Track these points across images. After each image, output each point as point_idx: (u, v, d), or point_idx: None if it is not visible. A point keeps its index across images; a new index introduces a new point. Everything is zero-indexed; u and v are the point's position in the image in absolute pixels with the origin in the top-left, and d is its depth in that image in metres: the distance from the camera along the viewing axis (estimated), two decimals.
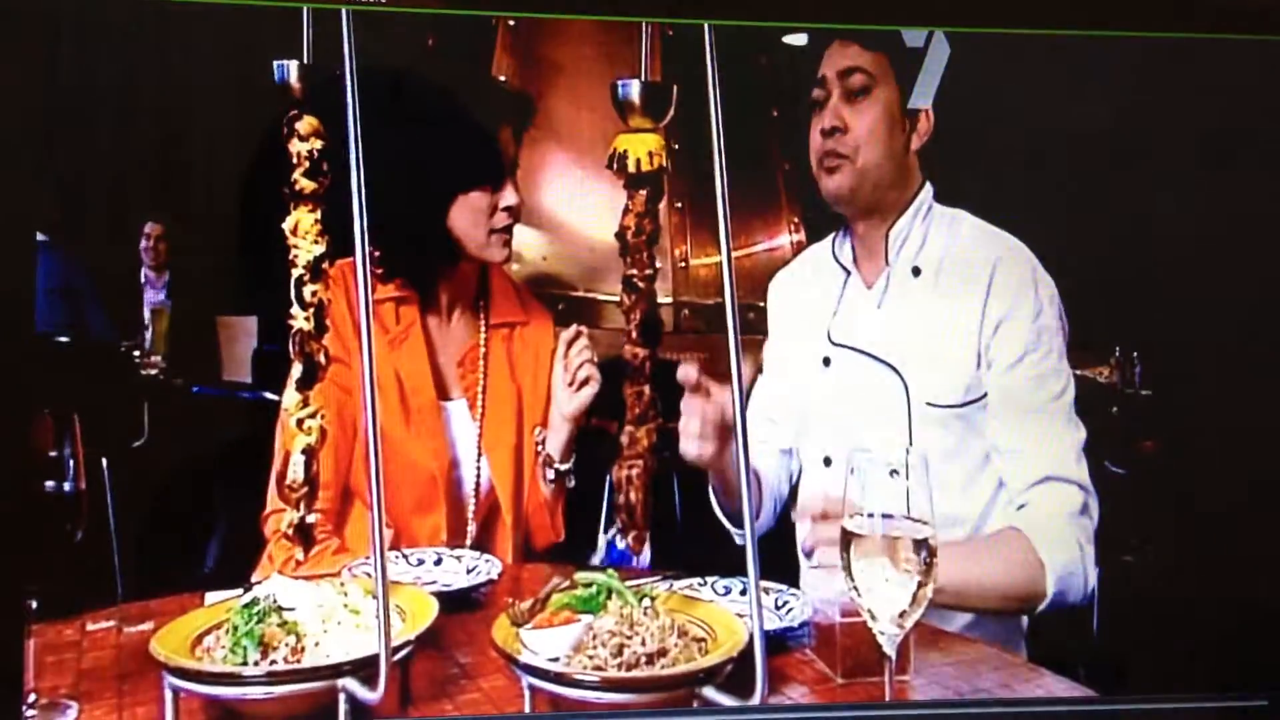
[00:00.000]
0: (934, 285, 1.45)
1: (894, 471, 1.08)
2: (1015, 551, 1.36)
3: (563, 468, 1.55)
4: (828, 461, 1.48)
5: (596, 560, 1.56)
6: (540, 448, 1.55)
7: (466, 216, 1.50)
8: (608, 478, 1.58)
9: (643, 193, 1.41)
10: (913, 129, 1.46)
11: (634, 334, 1.44)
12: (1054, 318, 1.42)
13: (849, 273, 1.52)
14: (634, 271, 1.43)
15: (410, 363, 1.52)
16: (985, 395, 1.42)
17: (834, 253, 1.54)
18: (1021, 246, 1.44)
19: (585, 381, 1.53)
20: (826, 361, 1.50)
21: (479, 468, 1.54)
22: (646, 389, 1.44)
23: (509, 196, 1.51)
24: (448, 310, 1.57)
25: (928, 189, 1.49)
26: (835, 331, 1.51)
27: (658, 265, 1.45)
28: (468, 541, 1.53)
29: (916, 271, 1.46)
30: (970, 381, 1.42)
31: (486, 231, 1.51)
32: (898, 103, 1.46)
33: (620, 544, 1.49)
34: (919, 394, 1.43)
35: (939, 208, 1.49)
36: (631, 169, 1.39)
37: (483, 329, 1.58)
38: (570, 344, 1.54)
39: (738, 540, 1.48)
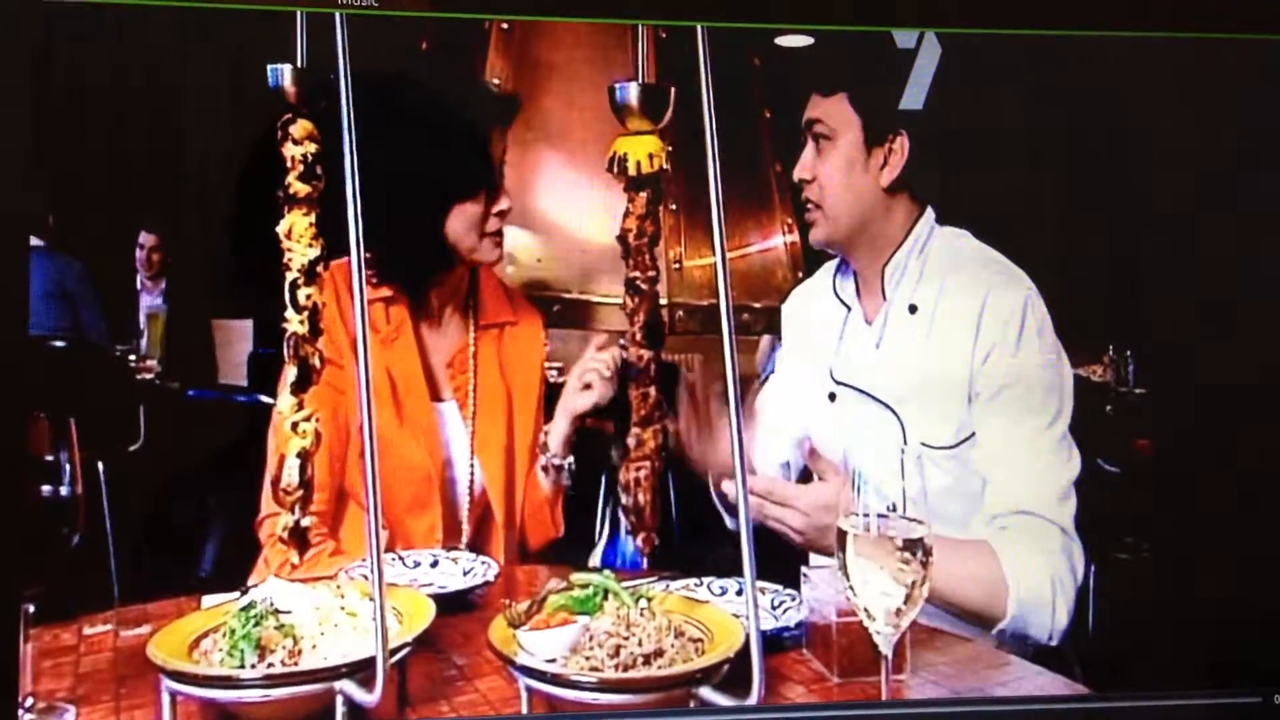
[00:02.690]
0: (930, 323, 1.45)
1: (892, 507, 1.08)
2: (979, 563, 1.36)
3: (558, 461, 1.55)
4: None
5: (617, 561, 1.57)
6: (544, 436, 1.56)
7: (462, 224, 1.51)
8: (603, 478, 1.59)
9: (643, 195, 1.41)
10: (884, 163, 1.46)
11: (638, 336, 1.45)
12: (1041, 350, 1.40)
13: (849, 308, 1.52)
14: (637, 274, 1.43)
15: (402, 362, 1.52)
16: (975, 433, 1.42)
17: (835, 288, 1.54)
18: (1016, 274, 1.43)
19: (588, 386, 1.54)
20: (832, 396, 1.51)
21: (472, 467, 1.55)
22: (651, 390, 1.45)
23: (501, 202, 1.53)
24: (438, 311, 1.58)
25: (927, 217, 1.48)
26: (838, 369, 1.51)
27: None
28: (463, 542, 1.53)
29: (913, 309, 1.46)
30: (962, 420, 1.42)
31: (479, 235, 1.52)
32: (860, 142, 1.46)
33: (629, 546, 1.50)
34: (915, 434, 1.43)
35: (941, 231, 1.48)
36: (632, 171, 1.40)
37: (472, 330, 1.59)
38: (599, 349, 1.55)
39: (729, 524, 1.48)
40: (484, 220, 1.52)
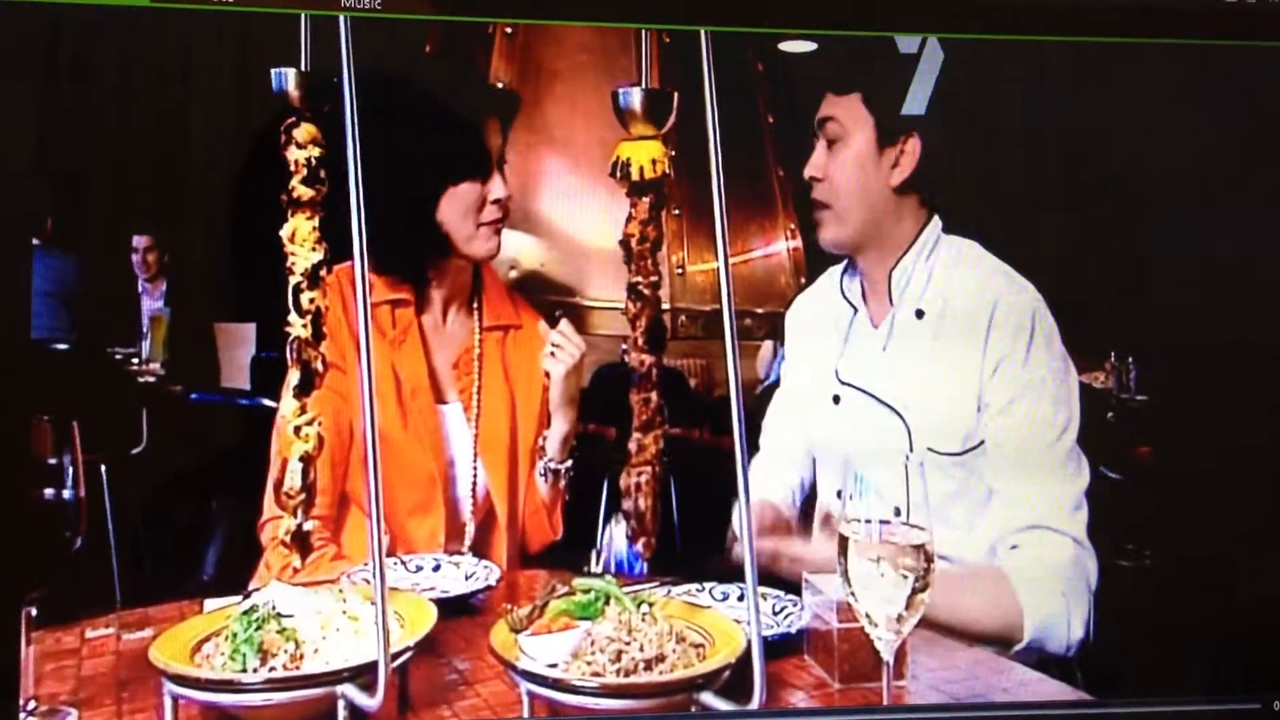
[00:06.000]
0: (937, 329, 1.44)
1: (897, 510, 1.08)
2: (993, 590, 1.36)
3: (556, 466, 1.55)
4: (839, 495, 1.48)
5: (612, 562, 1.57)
6: (542, 441, 1.56)
7: (456, 209, 1.51)
8: (604, 482, 1.59)
9: (646, 200, 1.41)
10: (895, 164, 1.46)
11: (640, 341, 1.44)
12: (1051, 360, 1.41)
13: (855, 309, 1.52)
14: (639, 279, 1.43)
15: (409, 365, 1.53)
16: (984, 441, 1.42)
17: (841, 289, 1.54)
18: (1024, 285, 1.43)
19: (547, 374, 1.55)
20: (836, 399, 1.51)
21: (475, 470, 1.55)
22: (653, 395, 1.44)
23: (497, 189, 1.52)
24: (443, 311, 1.58)
25: (934, 224, 1.48)
26: (843, 370, 1.51)
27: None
28: (466, 544, 1.53)
29: (920, 314, 1.45)
30: (970, 429, 1.42)
31: (475, 224, 1.52)
32: (872, 142, 1.46)
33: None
34: (921, 440, 1.43)
35: (947, 239, 1.47)
36: (635, 177, 1.40)
37: (477, 331, 1.59)
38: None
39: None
40: (479, 208, 1.52)
